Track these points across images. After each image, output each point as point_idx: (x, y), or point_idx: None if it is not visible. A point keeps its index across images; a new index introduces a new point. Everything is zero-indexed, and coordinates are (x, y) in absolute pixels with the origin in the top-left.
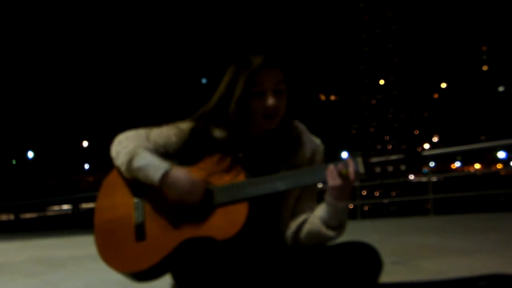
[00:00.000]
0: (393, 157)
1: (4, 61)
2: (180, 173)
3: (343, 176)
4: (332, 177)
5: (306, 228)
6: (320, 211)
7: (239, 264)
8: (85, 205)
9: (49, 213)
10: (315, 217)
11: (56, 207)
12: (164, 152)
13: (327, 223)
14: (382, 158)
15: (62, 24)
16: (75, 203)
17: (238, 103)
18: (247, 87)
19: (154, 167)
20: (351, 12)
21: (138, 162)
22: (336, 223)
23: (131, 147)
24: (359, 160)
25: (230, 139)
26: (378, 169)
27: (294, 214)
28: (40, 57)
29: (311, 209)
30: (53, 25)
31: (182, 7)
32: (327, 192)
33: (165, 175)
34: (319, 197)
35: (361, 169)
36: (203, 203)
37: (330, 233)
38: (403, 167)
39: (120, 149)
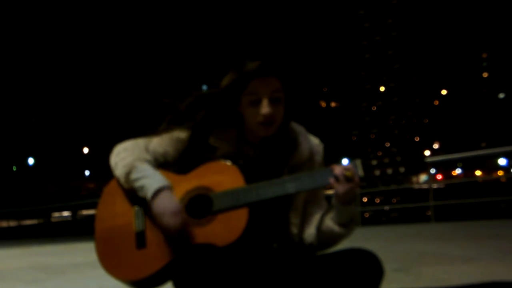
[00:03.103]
0: (392, 159)
1: (5, 67)
2: (173, 196)
3: (348, 178)
4: (337, 181)
5: (320, 229)
6: (331, 213)
7: (240, 270)
8: (85, 212)
9: (50, 220)
10: (327, 218)
11: (56, 214)
12: (163, 161)
13: (339, 222)
14: (381, 161)
15: (63, 31)
16: (74, 210)
17: (229, 106)
18: (237, 89)
19: (151, 181)
20: (352, 19)
21: (135, 175)
22: (347, 221)
23: (129, 160)
24: (358, 163)
25: (228, 146)
26: (377, 172)
27: (304, 217)
28: (41, 63)
29: (322, 208)
30: (54, 31)
31: (183, 14)
32: (335, 198)
33: (161, 189)
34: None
35: (361, 172)
36: (204, 209)
37: (342, 230)
38: (402, 169)
39: (118, 160)
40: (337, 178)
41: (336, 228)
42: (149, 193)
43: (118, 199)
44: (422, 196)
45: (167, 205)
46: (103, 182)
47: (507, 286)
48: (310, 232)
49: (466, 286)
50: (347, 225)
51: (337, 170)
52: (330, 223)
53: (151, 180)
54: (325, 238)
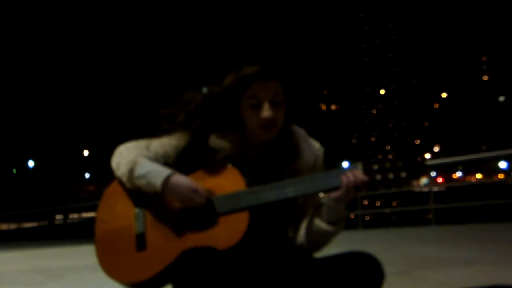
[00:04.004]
0: (394, 164)
1: (5, 70)
2: (182, 178)
3: (356, 187)
4: (347, 188)
5: (309, 228)
6: (320, 211)
7: (240, 274)
8: (84, 215)
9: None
10: (316, 217)
11: (57, 216)
12: (164, 162)
13: (327, 220)
14: (382, 165)
15: (63, 34)
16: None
17: (229, 108)
18: (237, 92)
19: (156, 173)
20: (352, 22)
21: (139, 170)
22: (336, 219)
23: (132, 157)
24: (360, 167)
25: (229, 149)
26: (378, 177)
27: (301, 219)
28: (41, 66)
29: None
30: (54, 34)
31: (184, 17)
32: (330, 197)
33: (167, 179)
34: None
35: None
36: (204, 212)
37: (331, 228)
38: (403, 174)
39: (121, 159)
40: (347, 184)
41: (324, 225)
42: (158, 182)
43: (119, 201)
44: (423, 199)
45: (182, 189)
46: (103, 184)
47: None
48: (300, 233)
49: None
50: (336, 223)
51: (345, 176)
52: (318, 221)
53: (154, 174)
54: (314, 237)
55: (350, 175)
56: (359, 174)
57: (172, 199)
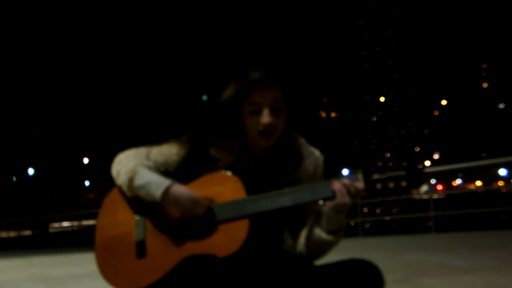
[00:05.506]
0: (394, 174)
1: (5, 77)
2: (182, 189)
3: (351, 194)
4: (341, 195)
5: (309, 237)
6: (320, 221)
7: (240, 282)
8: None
9: (50, 230)
10: (316, 226)
11: (56, 224)
12: (164, 171)
13: (327, 230)
14: (383, 175)
15: (64, 41)
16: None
17: (231, 116)
18: (239, 98)
19: (155, 184)
20: (352, 30)
21: (139, 180)
22: (336, 229)
23: (131, 166)
24: (360, 176)
25: (229, 157)
26: (379, 186)
27: (301, 227)
28: (42, 73)
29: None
30: (54, 43)
31: (186, 26)
32: (330, 207)
33: (167, 191)
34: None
35: (362, 184)
36: (204, 220)
37: (330, 237)
38: (404, 184)
39: (120, 168)
40: (340, 192)
41: (324, 235)
42: (158, 194)
43: (119, 209)
44: (423, 206)
45: (182, 199)
46: (103, 192)
47: None
48: (300, 241)
49: None
50: (336, 233)
51: (340, 184)
52: (318, 231)
53: (153, 185)
54: (314, 246)
55: (345, 184)
56: (355, 182)
57: (172, 209)
